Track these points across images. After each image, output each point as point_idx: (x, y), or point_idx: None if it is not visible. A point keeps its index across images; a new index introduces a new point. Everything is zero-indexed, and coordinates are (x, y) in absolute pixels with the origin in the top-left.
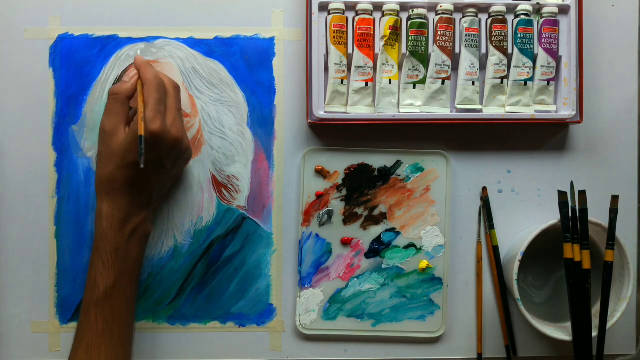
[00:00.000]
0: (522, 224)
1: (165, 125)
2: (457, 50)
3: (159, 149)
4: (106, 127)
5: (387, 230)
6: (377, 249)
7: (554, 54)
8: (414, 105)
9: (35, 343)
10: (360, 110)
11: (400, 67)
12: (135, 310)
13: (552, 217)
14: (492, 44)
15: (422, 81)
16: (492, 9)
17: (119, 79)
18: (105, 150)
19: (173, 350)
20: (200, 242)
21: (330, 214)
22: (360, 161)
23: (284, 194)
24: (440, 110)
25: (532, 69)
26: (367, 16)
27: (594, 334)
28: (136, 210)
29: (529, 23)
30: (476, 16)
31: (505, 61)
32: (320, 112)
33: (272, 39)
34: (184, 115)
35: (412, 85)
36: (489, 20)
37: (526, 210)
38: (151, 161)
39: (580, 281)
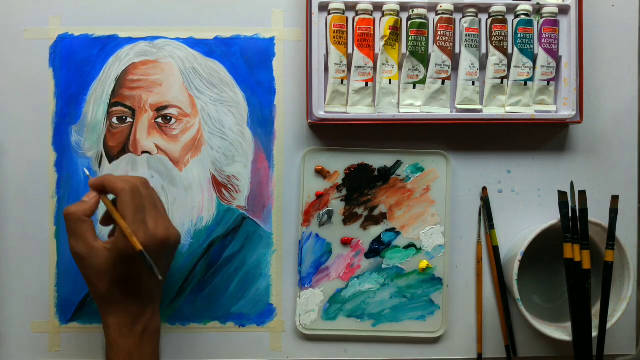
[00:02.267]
0: (522, 224)
1: (149, 233)
2: (457, 50)
3: (152, 253)
4: (79, 252)
5: (387, 230)
6: (377, 249)
7: (554, 54)
8: (414, 105)
9: (35, 343)
10: (360, 110)
11: (400, 67)
12: None
13: (552, 217)
14: (492, 44)
15: (422, 81)
16: (492, 9)
17: (119, 79)
18: (89, 272)
19: (173, 350)
20: (200, 242)
21: (330, 214)
22: (360, 161)
23: (284, 194)
24: (440, 110)
25: (532, 69)
26: (367, 16)
27: (594, 334)
28: (141, 311)
29: (529, 23)
30: (476, 16)
31: (505, 61)
32: (320, 112)
33: (272, 39)
34: (183, 116)
35: (412, 85)
36: (489, 20)
37: (526, 210)
38: (143, 268)
39: (580, 281)
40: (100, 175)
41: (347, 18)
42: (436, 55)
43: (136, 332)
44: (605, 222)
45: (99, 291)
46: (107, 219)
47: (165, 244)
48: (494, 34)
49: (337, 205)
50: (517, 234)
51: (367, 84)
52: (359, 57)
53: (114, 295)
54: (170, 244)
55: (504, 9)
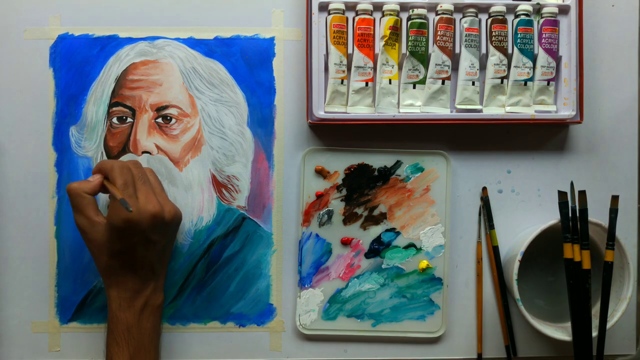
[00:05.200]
0: (522, 224)
1: (137, 207)
2: (457, 50)
3: (140, 229)
4: (81, 226)
5: (387, 230)
6: (377, 249)
7: (554, 54)
8: (414, 105)
9: (35, 343)
10: (360, 110)
11: (400, 67)
12: None
13: (552, 217)
14: (492, 44)
15: (422, 81)
16: (492, 9)
17: (119, 79)
18: (92, 244)
19: (173, 350)
20: (200, 242)
21: (330, 214)
22: (360, 161)
23: (284, 194)
24: (440, 110)
25: (532, 69)
26: (367, 16)
27: (594, 334)
28: (141, 286)
29: (529, 23)
30: (476, 16)
31: (505, 61)
32: (320, 112)
33: (272, 39)
34: (183, 116)
35: (412, 85)
36: (489, 20)
37: (526, 210)
38: (137, 242)
39: (580, 281)
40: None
41: (347, 18)
42: (436, 55)
43: (136, 306)
44: (605, 222)
45: (101, 264)
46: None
47: (157, 218)
48: (494, 34)
49: (337, 205)
50: (517, 234)
51: (367, 84)
52: (359, 57)
53: (114, 268)
54: (165, 220)
55: (504, 9)
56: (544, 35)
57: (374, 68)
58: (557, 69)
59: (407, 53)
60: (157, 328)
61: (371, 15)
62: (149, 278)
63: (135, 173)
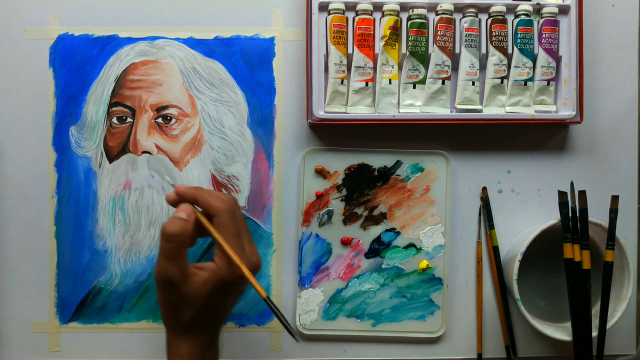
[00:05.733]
0: (522, 224)
1: (249, 262)
2: (457, 50)
3: (243, 284)
4: (171, 276)
5: (387, 230)
6: (377, 249)
7: (554, 54)
8: (414, 105)
9: (35, 343)
10: (360, 110)
11: (400, 67)
12: None
13: (552, 217)
14: (492, 44)
15: (422, 81)
16: (492, 9)
17: (119, 79)
18: (176, 297)
19: None
20: (200, 242)
21: (330, 214)
22: (360, 161)
23: (284, 194)
24: (440, 110)
25: (532, 69)
26: (367, 16)
27: (594, 334)
28: (211, 342)
29: (529, 23)
30: (476, 16)
31: (505, 61)
32: (320, 112)
33: (272, 39)
34: (183, 116)
35: (412, 85)
36: (489, 20)
37: (526, 210)
38: (235, 301)
39: (580, 281)
40: (187, 186)
41: (347, 18)
42: (436, 55)
43: None
44: (605, 222)
45: (181, 319)
46: (198, 232)
47: (256, 270)
48: (494, 34)
49: (337, 205)
50: (517, 234)
51: (367, 84)
52: (359, 57)
53: (196, 324)
54: (258, 271)
55: (504, 9)
56: (544, 35)
57: (374, 68)
58: (557, 69)
59: (407, 53)
60: None
61: (371, 15)
62: (217, 335)
63: (239, 216)
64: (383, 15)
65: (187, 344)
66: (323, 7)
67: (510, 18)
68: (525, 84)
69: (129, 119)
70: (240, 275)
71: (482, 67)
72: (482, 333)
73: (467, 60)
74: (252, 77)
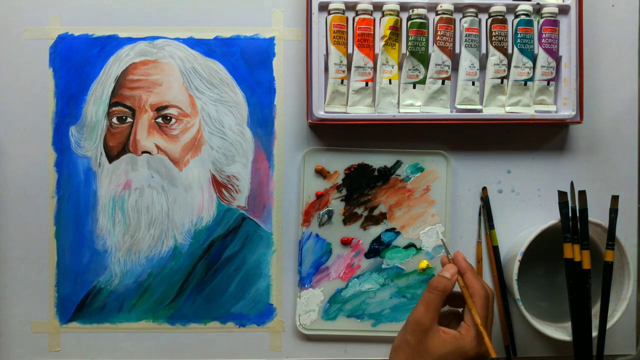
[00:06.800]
0: (522, 224)
1: (485, 346)
2: (457, 50)
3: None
4: (423, 321)
5: (387, 230)
6: (377, 249)
7: (554, 54)
8: (414, 105)
9: (35, 343)
10: (360, 110)
11: (400, 67)
12: None
13: (552, 217)
14: (492, 44)
15: (422, 81)
16: (492, 9)
17: (119, 79)
18: (416, 343)
19: (173, 350)
20: (200, 242)
21: (330, 214)
22: (360, 161)
23: (284, 194)
24: (440, 110)
25: (532, 69)
26: (367, 16)
27: (594, 334)
28: None
29: (529, 23)
30: (476, 16)
31: (505, 61)
32: (320, 112)
33: (272, 39)
34: (183, 116)
35: (412, 85)
36: (489, 20)
37: (526, 210)
38: None
39: (580, 281)
40: (465, 259)
41: (347, 18)
42: (436, 55)
43: None
44: (605, 222)
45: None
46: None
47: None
48: (494, 34)
49: (337, 205)
50: (517, 234)
51: (367, 84)
52: (359, 57)
53: None
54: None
55: (504, 9)
56: (544, 35)
57: (374, 68)
58: (557, 69)
59: (407, 53)
60: None
61: (371, 15)
62: None
63: (490, 308)
64: (383, 15)
65: None
66: (323, 7)
67: (510, 18)
68: (525, 84)
69: (129, 119)
70: (482, 355)
71: (482, 67)
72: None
73: (467, 60)
74: (252, 77)
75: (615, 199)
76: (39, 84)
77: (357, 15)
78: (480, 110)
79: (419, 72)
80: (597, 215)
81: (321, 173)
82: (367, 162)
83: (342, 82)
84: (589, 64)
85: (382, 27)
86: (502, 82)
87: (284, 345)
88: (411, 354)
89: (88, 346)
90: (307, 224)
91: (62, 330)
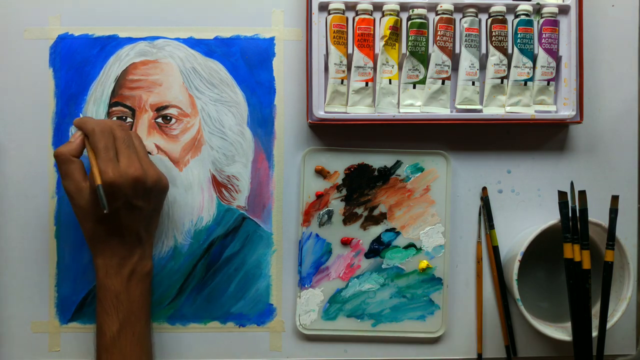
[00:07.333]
0: (522, 224)
1: (119, 170)
2: (457, 50)
3: (122, 194)
4: (68, 190)
5: (387, 230)
6: (377, 249)
7: (554, 54)
8: (414, 105)
9: (35, 343)
10: (360, 110)
11: (400, 67)
12: (151, 343)
13: (552, 217)
14: (492, 44)
15: (422, 81)
16: (492, 9)
17: (119, 79)
18: (77, 210)
19: (173, 350)
20: (200, 242)
21: (330, 214)
22: (360, 161)
23: (284, 194)
24: (440, 110)
25: (532, 69)
26: (367, 16)
27: (594, 334)
28: (128, 253)
29: (529, 23)
30: (476, 16)
31: (505, 61)
32: (320, 112)
33: (272, 39)
34: (183, 116)
35: (412, 85)
36: (489, 20)
37: (526, 210)
38: (121, 207)
39: (580, 281)
40: (79, 118)
41: (347, 18)
42: (436, 55)
43: (123, 273)
44: (605, 222)
45: (86, 231)
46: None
47: (138, 183)
48: (494, 34)
49: (337, 205)
50: (517, 234)
51: (367, 84)
52: (359, 57)
53: (99, 235)
54: (147, 184)
55: (504, 9)
56: (544, 35)
57: (374, 68)
58: (557, 69)
59: (407, 53)
60: (147, 296)
61: (371, 15)
62: (135, 245)
63: (119, 135)
64: (383, 15)
65: (100, 255)
66: (323, 7)
67: (510, 18)
68: (525, 84)
69: (129, 119)
70: (110, 182)
71: (482, 67)
72: (482, 333)
73: (467, 60)
74: (252, 77)
75: (615, 199)
76: (39, 84)
77: (357, 15)
78: (480, 110)
79: (419, 72)
80: (597, 215)
81: (321, 173)
82: (367, 162)
83: (342, 82)
84: (589, 64)
85: (382, 27)
86: (502, 82)
87: (284, 345)
88: (81, 220)
89: (88, 346)
90: (307, 224)
91: (62, 330)
